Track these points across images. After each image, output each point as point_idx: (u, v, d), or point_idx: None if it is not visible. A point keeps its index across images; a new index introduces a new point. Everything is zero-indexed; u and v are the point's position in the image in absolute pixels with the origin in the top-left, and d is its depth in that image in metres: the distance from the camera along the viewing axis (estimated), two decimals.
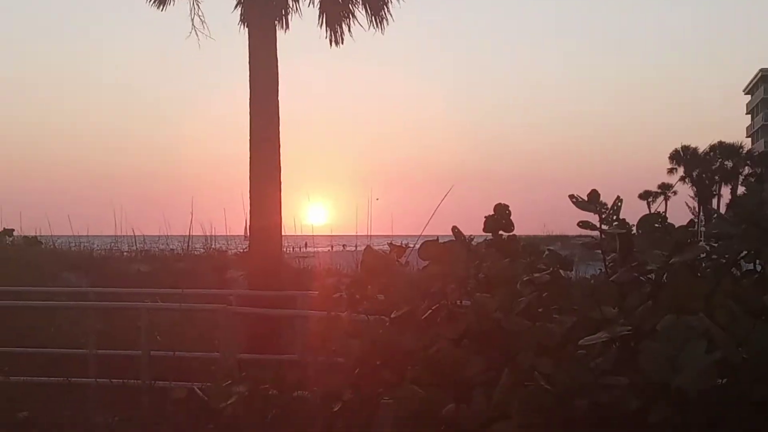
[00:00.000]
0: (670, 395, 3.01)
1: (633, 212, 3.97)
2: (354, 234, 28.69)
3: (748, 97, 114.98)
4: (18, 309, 14.85)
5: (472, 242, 4.45)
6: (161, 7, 18.05)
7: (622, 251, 3.94)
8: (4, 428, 10.34)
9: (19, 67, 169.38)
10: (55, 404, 11.17)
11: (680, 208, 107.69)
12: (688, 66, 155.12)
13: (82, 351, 12.64)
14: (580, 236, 4.12)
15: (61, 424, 10.31)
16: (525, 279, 4.07)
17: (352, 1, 18.02)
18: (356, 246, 26.72)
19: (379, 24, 17.98)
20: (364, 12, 17.94)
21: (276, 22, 17.52)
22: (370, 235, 25.70)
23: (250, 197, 17.03)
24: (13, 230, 24.46)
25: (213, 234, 26.39)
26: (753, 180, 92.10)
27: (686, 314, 3.16)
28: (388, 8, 18.01)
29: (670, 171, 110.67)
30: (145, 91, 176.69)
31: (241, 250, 23.90)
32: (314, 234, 29.79)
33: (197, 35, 18.26)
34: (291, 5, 18.00)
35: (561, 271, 4.11)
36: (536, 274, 4.07)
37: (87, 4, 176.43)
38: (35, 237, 25.21)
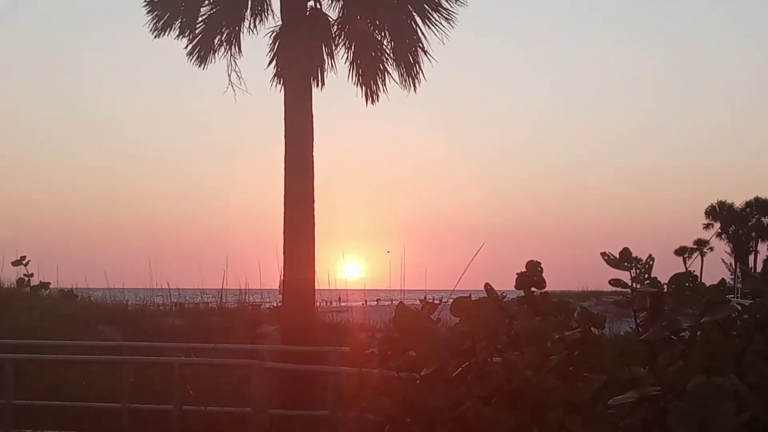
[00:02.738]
0: None
1: (668, 268, 3.97)
2: (388, 288, 28.64)
3: None
4: (53, 362, 14.96)
5: (505, 299, 4.45)
6: (202, 65, 18.36)
7: (653, 310, 3.94)
8: None
9: (53, 120, 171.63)
10: None
11: (717, 265, 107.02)
12: (725, 120, 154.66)
13: (116, 405, 12.69)
14: (614, 292, 4.12)
15: None
16: (556, 337, 4.07)
17: (387, 60, 18.24)
18: (391, 301, 26.67)
19: (412, 83, 18.18)
20: (397, 72, 18.15)
21: (311, 79, 17.74)
22: (404, 290, 25.66)
23: (284, 252, 17.14)
24: (49, 283, 24.59)
25: (247, 288, 26.45)
26: None
27: (717, 374, 3.15)
28: (420, 68, 18.21)
29: (706, 226, 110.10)
30: (181, 144, 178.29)
31: (275, 305, 23.97)
32: (348, 288, 29.79)
33: (234, 90, 18.53)
34: (327, 62, 18.24)
35: (593, 329, 4.10)
36: (567, 333, 4.06)
37: (118, 57, 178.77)
38: (71, 290, 25.34)
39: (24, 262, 23.77)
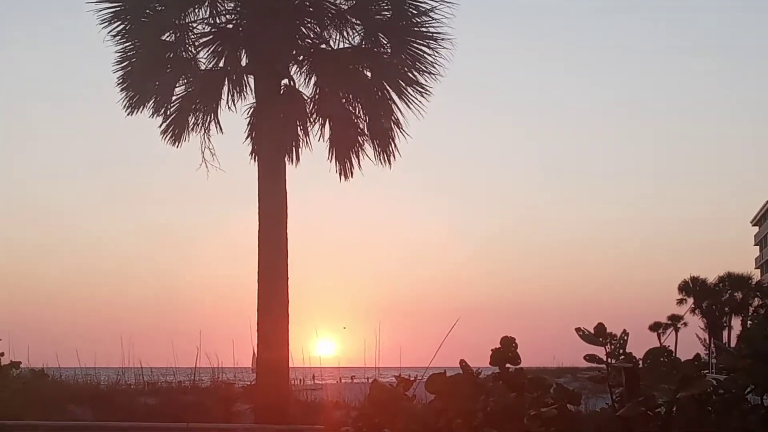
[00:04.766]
0: None
1: (643, 343, 3.97)
2: (362, 366, 28.47)
3: (756, 229, 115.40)
4: None
5: (480, 375, 4.43)
6: (176, 144, 18.38)
7: (628, 385, 3.93)
8: None
9: (27, 197, 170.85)
10: None
11: (691, 340, 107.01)
12: (696, 197, 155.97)
13: None
14: (590, 368, 4.11)
15: None
16: (532, 414, 4.04)
17: (362, 136, 18.31)
18: (367, 378, 26.47)
19: (386, 160, 18.24)
20: (372, 148, 18.21)
21: (285, 156, 17.79)
22: (379, 367, 25.52)
23: (258, 330, 17.03)
24: (19, 362, 24.27)
25: (220, 366, 26.23)
26: (762, 312, 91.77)
27: None
28: (395, 144, 18.29)
29: (680, 302, 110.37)
30: (153, 221, 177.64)
31: (249, 383, 23.75)
32: (322, 366, 29.61)
33: (207, 167, 18.53)
34: (302, 139, 18.30)
35: (569, 405, 4.09)
36: (543, 409, 4.04)
37: (94, 135, 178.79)
38: (42, 369, 25.02)
39: None
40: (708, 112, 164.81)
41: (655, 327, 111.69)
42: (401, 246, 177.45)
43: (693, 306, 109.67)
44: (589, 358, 3.98)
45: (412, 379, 4.61)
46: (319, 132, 18.53)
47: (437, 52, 17.78)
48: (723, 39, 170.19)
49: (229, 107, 18.52)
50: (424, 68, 17.84)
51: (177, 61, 18.12)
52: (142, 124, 18.64)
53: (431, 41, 17.75)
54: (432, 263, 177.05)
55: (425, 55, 17.79)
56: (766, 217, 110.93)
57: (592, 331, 4.00)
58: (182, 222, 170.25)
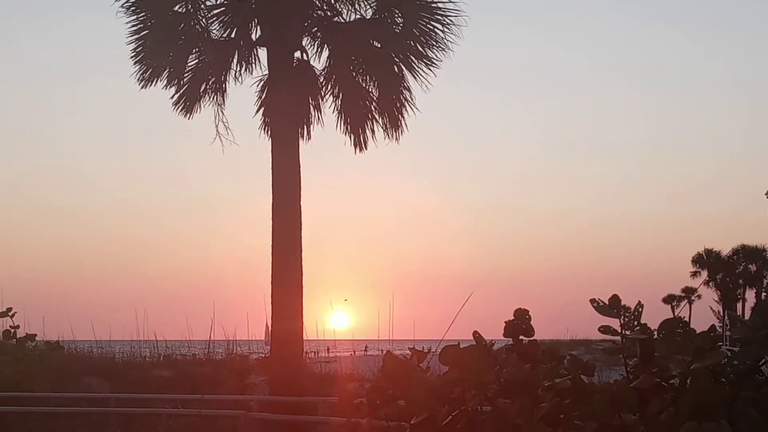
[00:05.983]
0: None
1: (657, 316, 3.96)
2: (376, 338, 28.59)
3: None
4: (39, 415, 14.81)
5: (493, 347, 4.43)
6: (188, 115, 18.38)
7: (643, 357, 3.92)
8: None
9: (38, 172, 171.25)
10: None
11: (705, 312, 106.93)
12: (710, 169, 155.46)
13: None
14: (603, 340, 4.11)
15: None
16: (546, 385, 4.04)
17: (374, 109, 18.27)
18: (381, 351, 26.61)
19: (395, 134, 18.20)
20: (381, 122, 18.18)
21: (298, 131, 17.78)
22: (392, 340, 25.65)
23: (272, 302, 17.08)
24: (35, 335, 24.40)
25: (235, 339, 26.40)
26: None
27: (708, 421, 3.14)
28: (404, 119, 18.24)
29: (694, 274, 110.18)
30: (167, 195, 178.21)
31: (263, 355, 23.88)
32: (336, 338, 29.75)
33: (221, 141, 18.54)
34: (313, 115, 18.29)
35: (583, 376, 4.09)
36: (557, 380, 4.04)
37: (106, 109, 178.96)
38: (57, 342, 25.16)
39: (10, 313, 23.59)
40: (721, 85, 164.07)
41: (669, 299, 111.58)
42: (415, 219, 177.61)
43: (707, 278, 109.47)
44: (604, 329, 3.97)
45: (425, 351, 4.62)
46: (332, 104, 18.53)
47: (449, 27, 17.71)
48: (744, 9, 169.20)
49: (236, 80, 18.51)
50: (435, 42, 17.78)
51: (189, 32, 18.09)
52: (157, 99, 18.70)
53: (444, 16, 17.67)
54: (443, 234, 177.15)
55: (437, 29, 17.72)
56: None
57: (607, 303, 3.99)
58: (198, 195, 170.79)
